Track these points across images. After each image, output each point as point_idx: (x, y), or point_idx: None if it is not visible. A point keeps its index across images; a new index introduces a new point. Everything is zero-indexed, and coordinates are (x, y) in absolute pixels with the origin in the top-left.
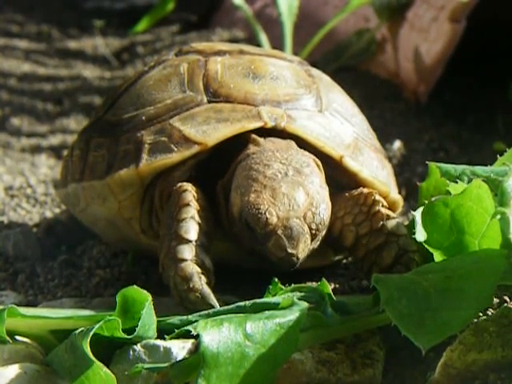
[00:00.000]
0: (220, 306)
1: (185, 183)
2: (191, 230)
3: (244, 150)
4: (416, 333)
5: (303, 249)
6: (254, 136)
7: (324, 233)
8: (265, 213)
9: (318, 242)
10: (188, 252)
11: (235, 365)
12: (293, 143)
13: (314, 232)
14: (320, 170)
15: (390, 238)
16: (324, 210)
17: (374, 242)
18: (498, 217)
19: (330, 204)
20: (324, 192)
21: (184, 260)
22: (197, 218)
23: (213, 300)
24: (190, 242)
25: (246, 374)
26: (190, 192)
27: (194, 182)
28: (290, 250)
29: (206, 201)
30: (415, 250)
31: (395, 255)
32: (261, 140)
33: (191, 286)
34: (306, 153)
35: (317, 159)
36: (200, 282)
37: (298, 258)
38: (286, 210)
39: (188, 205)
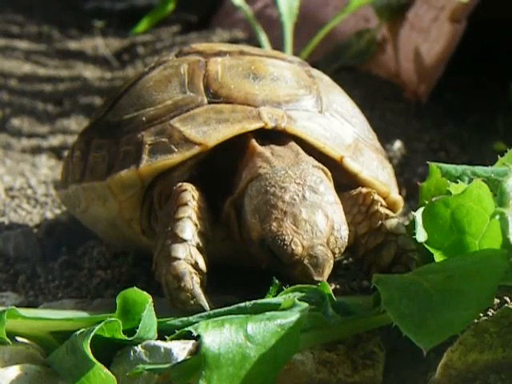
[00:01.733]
0: (211, 307)
1: (185, 183)
2: (187, 229)
3: (251, 164)
4: (417, 333)
5: (328, 273)
6: (257, 148)
7: None
8: (290, 244)
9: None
10: (182, 251)
11: (236, 366)
12: (299, 151)
13: (336, 255)
14: (330, 179)
15: (389, 237)
16: (344, 231)
17: (373, 241)
18: (498, 217)
19: (345, 220)
20: (340, 208)
21: (177, 259)
22: (194, 218)
23: (203, 301)
24: (185, 241)
25: (246, 375)
26: (189, 192)
27: (194, 181)
28: (316, 278)
29: (205, 201)
30: (414, 250)
31: (394, 255)
32: (268, 155)
33: (182, 285)
34: (315, 163)
35: (325, 168)
36: (191, 282)
37: (322, 281)
38: (309, 238)
39: (186, 204)
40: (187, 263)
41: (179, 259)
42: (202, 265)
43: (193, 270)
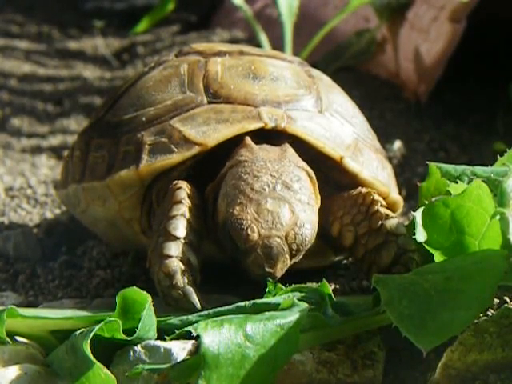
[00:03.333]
0: (202, 305)
1: (180, 181)
2: (180, 226)
3: (236, 155)
4: (417, 334)
5: (281, 268)
6: (247, 140)
7: (305, 250)
8: (247, 229)
9: (301, 255)
10: (174, 249)
11: (235, 366)
12: (288, 151)
13: (294, 252)
14: (312, 181)
15: (389, 237)
16: (308, 230)
17: (373, 241)
18: (498, 217)
19: (316, 221)
20: (311, 210)
21: (169, 256)
22: (187, 215)
23: (194, 299)
24: (178, 239)
25: (246, 375)
26: (184, 190)
27: (191, 180)
28: (267, 269)
29: (201, 200)
30: (414, 250)
31: (394, 255)
32: (254, 146)
33: (174, 282)
34: (301, 163)
35: (310, 170)
36: (183, 280)
37: (275, 277)
38: (268, 228)
39: (180, 202)
40: (179, 261)
41: (171, 257)
42: (195, 262)
43: (185, 268)
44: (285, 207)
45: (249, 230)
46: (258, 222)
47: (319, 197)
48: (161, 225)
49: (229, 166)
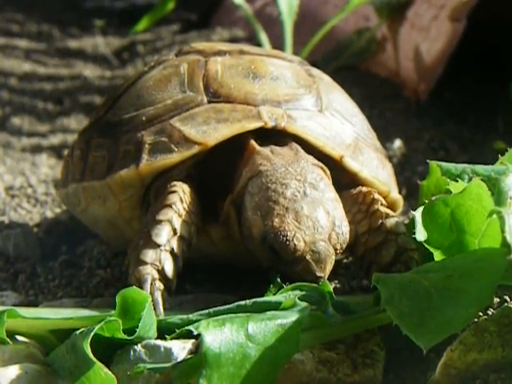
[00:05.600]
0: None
1: (178, 183)
2: (163, 234)
3: (251, 162)
4: (417, 332)
5: (329, 269)
6: (254, 145)
7: None
8: (292, 239)
9: None
10: (150, 256)
11: (237, 365)
12: (299, 150)
13: (338, 252)
14: (329, 177)
15: (389, 236)
16: (345, 227)
17: (373, 240)
18: (494, 216)
19: (346, 217)
20: (340, 206)
21: (144, 263)
22: (175, 221)
23: (159, 309)
24: (158, 246)
25: (247, 374)
26: (178, 194)
27: (191, 180)
28: (318, 274)
29: (198, 203)
30: (414, 249)
31: (394, 254)
32: (266, 152)
33: (142, 289)
34: (315, 161)
35: (324, 166)
36: (151, 288)
37: (324, 279)
38: (311, 234)
39: (170, 207)
40: (153, 268)
41: (146, 263)
42: (170, 271)
43: (157, 276)
44: (320, 210)
45: (295, 240)
46: (301, 230)
47: None
48: (146, 226)
49: (248, 177)
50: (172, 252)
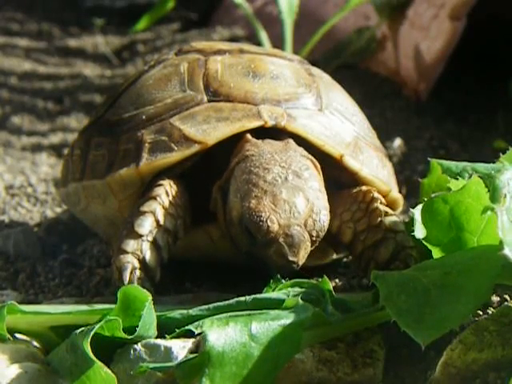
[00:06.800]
0: None
1: (167, 179)
2: (145, 224)
3: (241, 150)
4: (415, 328)
5: (303, 256)
6: (248, 136)
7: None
8: (266, 220)
9: (317, 244)
10: (131, 245)
11: (239, 365)
12: (291, 143)
13: (314, 239)
14: (318, 170)
15: (388, 234)
16: (324, 216)
17: (372, 238)
18: (489, 212)
19: (328, 208)
20: (323, 196)
21: (124, 252)
22: (159, 213)
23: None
24: (140, 236)
25: (248, 374)
26: (164, 187)
27: (190, 179)
28: (291, 258)
29: (186, 197)
30: (413, 247)
31: (393, 251)
32: (257, 141)
33: (122, 277)
34: (305, 153)
35: (315, 160)
36: (131, 277)
37: (298, 265)
38: (286, 218)
39: (154, 199)
40: (134, 258)
41: (126, 253)
42: (151, 261)
43: (138, 265)
44: (299, 195)
45: (268, 221)
46: (276, 213)
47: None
48: (131, 217)
49: (236, 162)
50: (155, 243)
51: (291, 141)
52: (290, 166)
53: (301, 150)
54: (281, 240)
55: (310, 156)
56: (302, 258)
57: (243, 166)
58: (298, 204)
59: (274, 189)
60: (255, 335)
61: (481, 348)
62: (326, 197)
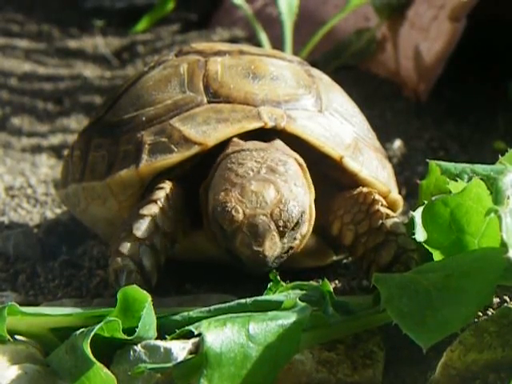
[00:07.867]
0: None
1: (167, 181)
2: (143, 228)
3: (225, 150)
4: (416, 331)
5: (270, 246)
6: (235, 139)
7: (302, 230)
8: (231, 210)
9: (297, 241)
10: (128, 248)
11: (237, 365)
12: (276, 142)
13: (281, 229)
14: (303, 169)
15: (389, 236)
16: (293, 206)
17: (373, 240)
18: (492, 215)
19: (305, 203)
20: (298, 190)
21: (122, 254)
22: (158, 216)
23: None
24: (138, 239)
25: (247, 374)
26: (165, 190)
27: (189, 180)
28: (255, 248)
29: (186, 201)
30: (414, 249)
31: (394, 254)
32: (240, 141)
33: (118, 280)
34: (289, 151)
35: (299, 158)
36: (127, 279)
37: (265, 256)
38: (252, 208)
39: (154, 202)
40: (131, 261)
41: (123, 255)
42: (148, 265)
43: (135, 268)
44: (269, 187)
45: (233, 211)
46: (243, 203)
47: (312, 186)
48: (130, 220)
49: (218, 162)
50: (152, 246)
51: (278, 140)
52: (266, 161)
53: (286, 148)
54: (245, 229)
55: (294, 154)
56: (268, 248)
57: (223, 164)
58: (266, 195)
59: (244, 181)
60: (253, 336)
61: (481, 349)
62: (303, 191)
